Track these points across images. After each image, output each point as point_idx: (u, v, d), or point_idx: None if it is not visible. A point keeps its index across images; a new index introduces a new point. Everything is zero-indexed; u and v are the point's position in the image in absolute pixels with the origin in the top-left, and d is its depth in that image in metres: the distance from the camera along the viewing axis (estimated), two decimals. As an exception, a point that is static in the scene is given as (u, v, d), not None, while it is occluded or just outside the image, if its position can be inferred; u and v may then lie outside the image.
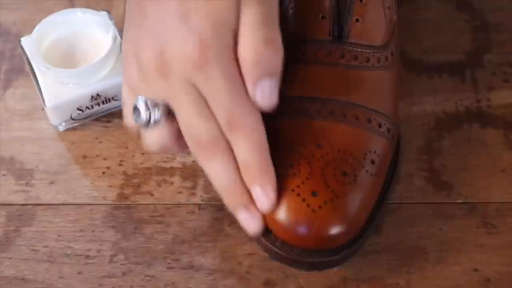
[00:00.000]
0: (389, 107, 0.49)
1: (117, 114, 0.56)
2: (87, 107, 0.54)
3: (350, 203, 0.45)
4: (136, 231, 0.51)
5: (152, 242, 0.50)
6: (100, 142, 0.55)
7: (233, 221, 0.51)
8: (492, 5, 0.61)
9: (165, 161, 0.54)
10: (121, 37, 0.55)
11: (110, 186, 0.53)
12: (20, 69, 0.58)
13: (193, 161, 0.54)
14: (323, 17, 0.49)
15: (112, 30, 0.54)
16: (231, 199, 0.45)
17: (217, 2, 0.42)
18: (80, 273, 0.49)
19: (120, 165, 0.54)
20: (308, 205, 0.44)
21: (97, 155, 0.54)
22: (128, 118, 0.47)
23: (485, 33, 0.60)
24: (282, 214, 0.44)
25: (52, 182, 0.53)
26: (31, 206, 0.52)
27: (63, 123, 0.55)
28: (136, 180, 0.53)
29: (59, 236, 0.51)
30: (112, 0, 0.61)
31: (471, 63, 0.58)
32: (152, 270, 0.49)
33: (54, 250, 0.50)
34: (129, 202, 0.52)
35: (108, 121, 0.56)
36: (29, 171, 0.54)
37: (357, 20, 0.48)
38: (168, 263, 0.50)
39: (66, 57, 0.55)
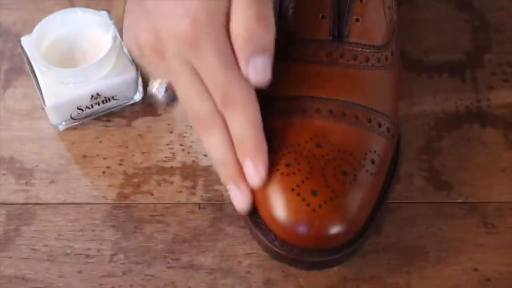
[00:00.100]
0: (389, 107, 0.49)
1: (117, 113, 0.56)
2: (87, 107, 0.54)
3: (350, 202, 0.45)
4: (136, 231, 0.51)
5: (152, 242, 0.50)
6: (100, 141, 0.55)
7: (233, 221, 0.51)
8: (492, 5, 0.61)
9: (165, 161, 0.54)
10: (121, 36, 0.55)
11: (110, 185, 0.53)
12: (20, 69, 0.58)
13: (193, 161, 0.54)
14: (323, 17, 0.49)
15: (112, 30, 0.54)
16: (224, 173, 0.47)
17: None
18: (80, 272, 0.49)
19: (120, 164, 0.54)
20: (308, 205, 0.44)
21: (97, 155, 0.54)
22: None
23: (485, 33, 0.60)
24: (282, 214, 0.44)
25: (52, 182, 0.53)
26: (31, 206, 0.52)
27: (63, 123, 0.55)
28: (136, 180, 0.53)
29: (59, 235, 0.51)
30: (112, 0, 0.61)
31: (471, 63, 0.58)
32: (152, 270, 0.49)
33: (54, 249, 0.50)
34: (129, 202, 0.52)
35: (108, 121, 0.56)
36: (29, 171, 0.54)
37: (357, 19, 0.49)
38: (168, 263, 0.50)
39: (66, 57, 0.55)
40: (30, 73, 0.54)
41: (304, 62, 0.49)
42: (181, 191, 0.52)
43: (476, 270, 0.49)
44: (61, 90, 0.53)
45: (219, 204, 0.52)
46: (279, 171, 0.45)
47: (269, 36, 0.44)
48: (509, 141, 0.54)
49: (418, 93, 0.57)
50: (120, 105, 0.56)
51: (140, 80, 0.55)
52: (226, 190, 0.51)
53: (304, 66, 0.48)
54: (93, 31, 0.56)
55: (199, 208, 0.52)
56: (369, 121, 0.47)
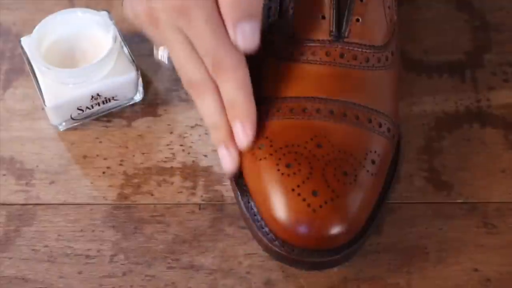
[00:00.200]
0: (389, 107, 0.49)
1: (117, 114, 0.56)
2: (87, 107, 0.54)
3: (350, 203, 0.45)
4: (136, 231, 0.51)
5: (152, 242, 0.50)
6: (100, 142, 0.55)
7: (234, 221, 0.51)
8: (492, 5, 0.61)
9: (165, 161, 0.54)
10: (121, 37, 0.55)
11: (110, 186, 0.53)
12: (20, 69, 0.58)
13: (193, 161, 0.54)
14: (323, 17, 0.49)
15: (112, 30, 0.54)
16: (215, 135, 0.48)
17: None
18: (80, 273, 0.49)
19: (120, 165, 0.54)
20: (308, 205, 0.44)
21: (97, 155, 0.54)
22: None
23: (485, 33, 0.60)
24: (282, 214, 0.44)
25: (52, 182, 0.53)
26: (31, 206, 0.52)
27: (63, 123, 0.55)
28: (136, 180, 0.53)
29: (59, 236, 0.51)
30: (112, 0, 0.61)
31: (471, 63, 0.58)
32: (152, 270, 0.49)
33: (54, 250, 0.50)
34: (129, 202, 0.52)
35: (108, 121, 0.56)
36: (29, 171, 0.54)
37: (358, 20, 0.48)
38: (168, 263, 0.50)
39: (66, 57, 0.55)
40: (30, 73, 0.54)
41: (304, 62, 0.49)
42: (181, 192, 0.52)
43: (476, 270, 0.49)
44: (61, 91, 0.53)
45: (220, 205, 0.52)
46: (279, 171, 0.45)
47: (256, 1, 0.46)
48: (509, 141, 0.54)
49: (418, 93, 0.57)
50: (120, 105, 0.56)
51: (140, 80, 0.55)
52: (227, 190, 0.52)
53: (304, 66, 0.48)
54: (93, 31, 0.56)
55: (199, 209, 0.52)
56: (370, 121, 0.47)
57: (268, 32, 0.50)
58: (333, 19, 0.48)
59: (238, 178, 0.48)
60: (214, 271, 0.49)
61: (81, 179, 0.53)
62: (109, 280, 0.49)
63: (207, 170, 0.53)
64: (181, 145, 0.54)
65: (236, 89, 0.46)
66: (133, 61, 0.55)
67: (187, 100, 0.56)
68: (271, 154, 0.46)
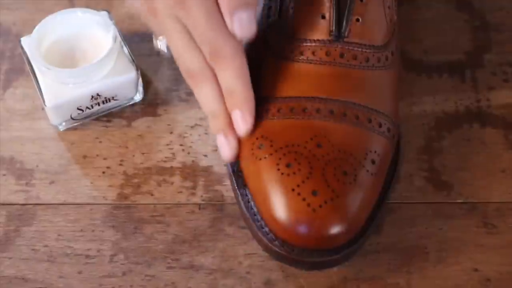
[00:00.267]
0: (389, 107, 0.49)
1: (117, 114, 0.56)
2: (87, 107, 0.54)
3: (350, 202, 0.45)
4: (136, 231, 0.51)
5: (152, 242, 0.50)
6: (100, 142, 0.55)
7: (233, 221, 0.51)
8: (492, 5, 0.61)
9: (165, 161, 0.54)
10: (121, 37, 0.55)
11: (110, 186, 0.53)
12: (20, 69, 0.58)
13: (193, 161, 0.54)
14: (323, 17, 0.49)
15: (112, 30, 0.54)
16: (214, 124, 0.48)
17: None
18: (80, 272, 0.49)
19: (120, 165, 0.54)
20: (308, 205, 0.44)
21: (97, 155, 0.54)
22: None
23: (485, 33, 0.60)
24: (282, 214, 0.44)
25: (52, 182, 0.53)
26: (31, 206, 0.52)
27: (63, 123, 0.55)
28: (136, 180, 0.53)
29: (59, 235, 0.51)
30: (112, 0, 0.61)
31: (471, 63, 0.58)
32: (152, 270, 0.49)
33: (54, 250, 0.50)
34: (129, 202, 0.52)
35: (108, 121, 0.56)
36: (29, 171, 0.54)
37: (358, 19, 0.48)
38: (168, 263, 0.50)
39: (66, 57, 0.55)
40: (30, 73, 0.54)
41: (304, 62, 0.49)
42: (181, 192, 0.52)
43: (476, 270, 0.49)
44: (61, 91, 0.53)
45: (219, 205, 0.52)
46: (279, 171, 0.45)
47: None
48: (509, 141, 0.54)
49: (418, 93, 0.57)
50: (120, 105, 0.56)
51: (140, 80, 0.55)
52: (227, 190, 0.52)
53: (305, 66, 0.48)
54: (93, 31, 0.56)
55: (199, 209, 0.52)
56: (370, 121, 0.47)
57: (268, 32, 0.50)
58: (333, 19, 0.48)
59: (238, 178, 0.48)
60: (214, 271, 0.49)
61: (81, 179, 0.53)
62: (109, 280, 0.49)
63: (207, 170, 0.53)
64: (181, 145, 0.54)
65: (234, 77, 0.47)
66: (133, 61, 0.55)
67: (187, 100, 0.56)
68: (271, 154, 0.46)
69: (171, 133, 0.55)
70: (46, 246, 0.50)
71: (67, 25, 0.56)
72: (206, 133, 0.55)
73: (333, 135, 0.46)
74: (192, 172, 0.53)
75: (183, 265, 0.49)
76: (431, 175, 0.53)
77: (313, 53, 0.48)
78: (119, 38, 0.54)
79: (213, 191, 0.52)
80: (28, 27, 0.57)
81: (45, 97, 0.53)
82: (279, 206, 0.44)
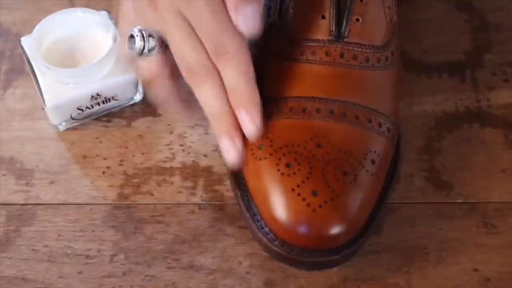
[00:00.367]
0: (389, 107, 0.49)
1: (117, 114, 0.56)
2: (87, 107, 0.54)
3: (350, 202, 0.45)
4: (136, 231, 0.51)
5: (152, 242, 0.50)
6: (100, 142, 0.55)
7: (233, 221, 0.51)
8: (492, 5, 0.61)
9: (164, 161, 0.54)
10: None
11: (110, 186, 0.53)
12: (20, 69, 0.58)
13: (193, 161, 0.54)
14: (323, 17, 0.49)
15: (112, 30, 0.54)
16: (218, 125, 0.46)
17: None
18: (80, 272, 0.49)
19: (120, 165, 0.54)
20: (308, 205, 0.44)
21: (97, 155, 0.54)
22: (123, 48, 0.48)
23: (485, 33, 0.60)
24: (282, 214, 0.44)
25: (52, 182, 0.53)
26: (31, 206, 0.52)
27: (63, 123, 0.55)
28: (136, 180, 0.53)
29: (59, 235, 0.51)
30: (112, 0, 0.61)
31: (471, 63, 0.58)
32: (152, 270, 0.49)
33: (54, 250, 0.50)
34: (129, 202, 0.52)
35: (108, 121, 0.56)
36: (29, 171, 0.54)
37: (357, 19, 0.48)
38: (168, 263, 0.50)
39: (66, 57, 0.55)
40: (30, 73, 0.54)
41: (304, 62, 0.49)
42: (181, 192, 0.52)
43: (476, 270, 0.49)
44: (61, 90, 0.53)
45: (219, 205, 0.52)
46: (279, 171, 0.45)
47: None
48: (509, 141, 0.54)
49: (418, 93, 0.57)
50: (120, 105, 0.56)
51: (140, 80, 0.55)
52: (227, 190, 0.52)
53: (304, 66, 0.48)
54: (93, 31, 0.56)
55: (199, 209, 0.52)
56: (370, 121, 0.47)
57: (268, 32, 0.50)
58: (333, 19, 0.48)
59: (238, 178, 0.48)
60: (214, 271, 0.49)
61: (81, 179, 0.53)
62: (109, 280, 0.49)
63: (207, 170, 0.53)
64: (181, 145, 0.54)
65: (239, 74, 0.45)
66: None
67: (187, 101, 0.56)
68: (271, 154, 0.46)
69: (171, 133, 0.55)
70: (46, 246, 0.50)
71: (67, 25, 0.56)
72: (206, 133, 0.55)
73: (333, 135, 0.46)
74: (192, 172, 0.53)
75: (183, 265, 0.49)
76: (431, 175, 0.53)
77: (313, 53, 0.48)
78: (119, 38, 0.54)
79: (213, 191, 0.52)
80: (28, 27, 0.57)
81: (45, 97, 0.53)
82: (279, 206, 0.44)
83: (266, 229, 0.46)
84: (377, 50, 0.49)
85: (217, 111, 0.46)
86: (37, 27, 0.55)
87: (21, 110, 0.56)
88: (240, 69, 0.45)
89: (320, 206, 0.44)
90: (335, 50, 0.48)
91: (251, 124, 0.45)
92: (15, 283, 0.49)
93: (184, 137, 0.55)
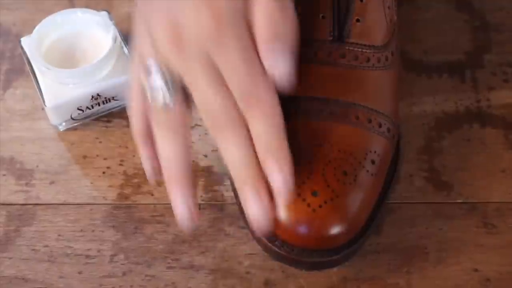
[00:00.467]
0: (389, 107, 0.49)
1: (118, 114, 0.56)
2: (87, 107, 0.54)
3: (350, 202, 0.45)
4: (136, 231, 0.51)
5: (152, 242, 0.50)
6: (100, 142, 0.55)
7: (233, 221, 0.51)
8: (492, 5, 0.61)
9: (165, 161, 0.54)
10: (121, 38, 0.55)
11: (110, 186, 0.53)
12: (20, 69, 0.58)
13: (193, 161, 0.54)
14: (323, 17, 0.49)
15: (112, 30, 0.54)
16: (240, 177, 0.43)
17: None
18: (80, 272, 0.49)
19: (120, 165, 0.54)
20: (308, 205, 0.44)
21: (97, 155, 0.54)
22: (134, 103, 0.45)
23: (485, 33, 0.60)
24: (282, 214, 0.44)
25: (52, 182, 0.53)
26: (31, 206, 0.52)
27: (63, 123, 0.55)
28: (136, 180, 0.53)
29: (59, 236, 0.51)
30: (112, 0, 0.61)
31: (471, 63, 0.58)
32: (152, 270, 0.49)
33: (54, 250, 0.50)
34: (129, 202, 0.52)
35: (108, 121, 0.56)
36: (29, 171, 0.54)
37: (358, 20, 0.48)
38: (168, 263, 0.50)
39: (66, 57, 0.55)
40: (30, 74, 0.54)
41: (305, 63, 0.48)
42: (181, 192, 0.52)
43: (476, 270, 0.49)
44: (61, 91, 0.53)
45: (220, 205, 0.52)
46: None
47: (290, 26, 0.43)
48: (509, 141, 0.54)
49: (418, 93, 0.57)
50: (120, 105, 0.56)
51: (140, 80, 0.55)
52: (227, 190, 0.52)
53: (305, 67, 0.48)
54: (93, 31, 0.56)
55: (199, 209, 0.51)
56: (370, 121, 0.47)
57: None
58: (333, 19, 0.48)
59: None
60: (214, 271, 0.49)
61: (81, 179, 0.53)
62: (109, 280, 0.49)
63: (207, 170, 0.53)
64: (181, 145, 0.54)
65: (268, 124, 0.42)
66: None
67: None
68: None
69: (171, 133, 0.55)
70: (46, 246, 0.50)
71: (67, 25, 0.56)
72: (206, 133, 0.55)
73: (333, 135, 0.46)
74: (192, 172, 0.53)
75: (183, 265, 0.49)
76: (431, 175, 0.53)
77: (313, 53, 0.48)
78: (119, 38, 0.54)
79: (213, 192, 0.52)
80: (28, 27, 0.57)
81: (45, 97, 0.53)
82: (279, 206, 0.44)
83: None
84: (377, 50, 0.49)
85: (242, 162, 0.43)
86: (37, 27, 0.55)
87: (21, 110, 0.56)
88: (269, 119, 0.42)
89: (320, 206, 0.44)
90: (336, 50, 0.48)
91: (280, 175, 0.42)
92: (15, 283, 0.49)
93: (184, 137, 0.55)
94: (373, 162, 0.47)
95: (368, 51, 0.49)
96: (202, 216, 0.51)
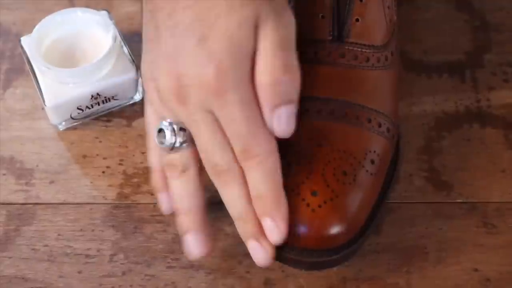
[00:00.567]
0: (389, 107, 0.49)
1: (117, 113, 0.56)
2: (87, 107, 0.54)
3: (350, 202, 0.45)
4: (136, 231, 0.51)
5: (152, 242, 0.50)
6: (100, 141, 0.55)
7: (233, 221, 0.51)
8: (492, 5, 0.61)
9: (165, 161, 0.54)
10: (121, 37, 0.55)
11: (110, 185, 0.53)
12: (20, 69, 0.58)
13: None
14: (323, 17, 0.49)
15: (112, 30, 0.54)
16: (242, 227, 0.45)
17: (233, 24, 0.41)
18: (80, 272, 0.49)
19: (120, 164, 0.54)
20: (308, 205, 0.44)
21: (97, 155, 0.54)
22: (152, 140, 0.47)
23: (485, 33, 0.60)
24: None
25: (52, 182, 0.53)
26: (31, 205, 0.52)
27: (63, 123, 0.55)
28: (136, 180, 0.53)
29: (59, 235, 0.51)
30: (112, 0, 0.61)
31: (471, 63, 0.58)
32: (152, 270, 0.49)
33: (54, 249, 0.50)
34: (129, 202, 0.52)
35: (108, 121, 0.56)
36: (29, 171, 0.54)
37: (357, 20, 0.48)
38: (168, 263, 0.50)
39: (66, 57, 0.55)
40: (30, 73, 0.54)
41: (304, 62, 0.48)
42: (181, 191, 0.52)
43: (476, 270, 0.49)
44: (61, 90, 0.53)
45: (219, 204, 0.52)
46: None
47: (295, 86, 0.44)
48: (509, 141, 0.54)
49: (418, 93, 0.57)
50: (120, 105, 0.56)
51: (140, 80, 0.55)
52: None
53: (304, 66, 0.48)
54: (93, 31, 0.56)
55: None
56: (369, 121, 0.47)
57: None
58: (333, 19, 0.48)
59: None
60: (214, 270, 0.49)
61: (81, 178, 0.53)
62: (109, 279, 0.49)
63: (207, 169, 0.53)
64: (181, 145, 0.54)
65: (266, 179, 0.43)
66: (133, 60, 0.55)
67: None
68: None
69: (171, 133, 0.55)
70: (46, 245, 0.50)
71: (67, 25, 0.56)
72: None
73: (333, 135, 0.46)
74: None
75: (183, 265, 0.49)
76: (431, 175, 0.53)
77: (313, 53, 0.48)
78: (119, 38, 0.54)
79: (213, 191, 0.52)
80: (28, 27, 0.57)
81: (45, 97, 0.53)
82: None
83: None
84: (377, 50, 0.49)
85: (241, 213, 0.45)
86: (37, 27, 0.55)
87: (21, 110, 0.56)
88: (267, 174, 0.43)
89: (320, 206, 0.44)
90: (335, 50, 0.48)
91: (276, 231, 0.44)
92: (15, 282, 0.49)
93: (184, 137, 0.55)
94: (372, 162, 0.47)
95: (367, 51, 0.49)
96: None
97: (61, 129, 0.55)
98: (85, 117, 0.55)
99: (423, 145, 0.54)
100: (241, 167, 0.44)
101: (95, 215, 0.52)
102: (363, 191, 0.46)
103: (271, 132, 0.43)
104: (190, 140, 0.45)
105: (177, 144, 0.45)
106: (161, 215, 0.51)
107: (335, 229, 0.44)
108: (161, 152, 0.46)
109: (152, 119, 0.47)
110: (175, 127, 0.44)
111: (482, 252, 0.50)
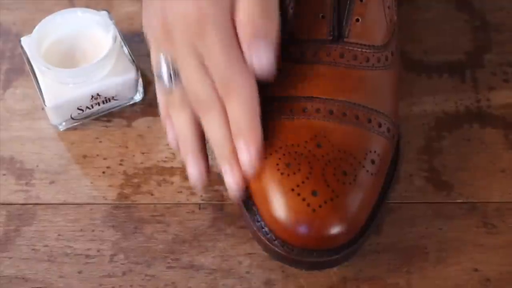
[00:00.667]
0: (389, 107, 0.49)
1: (117, 113, 0.56)
2: (87, 107, 0.54)
3: (350, 202, 0.45)
4: (136, 231, 0.51)
5: (152, 242, 0.50)
6: (100, 141, 0.55)
7: (234, 221, 0.51)
8: (492, 5, 0.61)
9: (165, 161, 0.54)
10: (121, 37, 0.55)
11: (110, 185, 0.53)
12: (20, 69, 0.58)
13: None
14: (323, 17, 0.49)
15: (112, 30, 0.54)
16: (219, 153, 0.47)
17: None
18: (80, 272, 0.49)
19: (120, 164, 0.54)
20: (308, 205, 0.44)
21: (97, 155, 0.54)
22: (159, 94, 0.50)
23: (485, 33, 0.60)
24: (282, 214, 0.44)
25: (52, 182, 0.53)
26: (31, 206, 0.52)
27: (63, 123, 0.55)
28: (136, 180, 0.53)
29: (59, 235, 0.51)
30: (112, 0, 0.61)
31: (471, 63, 0.58)
32: (152, 270, 0.49)
33: (54, 250, 0.50)
34: (129, 202, 0.52)
35: (108, 121, 0.56)
36: (29, 171, 0.54)
37: (357, 20, 0.49)
38: (168, 263, 0.50)
39: (66, 57, 0.55)
40: (30, 73, 0.54)
41: (304, 62, 0.49)
42: (181, 191, 0.52)
43: (476, 270, 0.49)
44: (61, 90, 0.53)
45: (220, 204, 0.52)
46: (279, 171, 0.45)
47: (271, 21, 0.46)
48: (509, 141, 0.54)
49: (418, 93, 0.57)
50: (120, 105, 0.56)
51: (140, 80, 0.55)
52: (227, 190, 0.52)
53: (304, 66, 0.48)
54: (93, 31, 0.56)
55: (199, 208, 0.52)
56: (369, 121, 0.47)
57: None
58: (333, 19, 0.48)
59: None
60: (214, 270, 0.49)
61: (81, 179, 0.53)
62: (109, 279, 0.49)
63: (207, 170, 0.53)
64: (181, 145, 0.54)
65: (243, 110, 0.45)
66: (133, 61, 0.55)
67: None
68: (270, 154, 0.46)
69: (171, 133, 0.55)
70: (46, 246, 0.50)
71: (67, 25, 0.56)
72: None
73: (333, 135, 0.46)
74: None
75: (183, 265, 0.49)
76: (431, 175, 0.53)
77: (313, 53, 0.48)
78: (119, 38, 0.54)
79: (213, 191, 0.52)
80: (28, 27, 0.57)
81: (45, 97, 0.53)
82: (279, 206, 0.44)
83: (266, 229, 0.46)
84: (377, 50, 0.49)
85: (219, 141, 0.47)
86: (37, 27, 0.55)
87: (21, 110, 0.56)
88: (244, 105, 0.45)
89: (320, 206, 0.44)
90: (335, 50, 0.48)
91: (247, 155, 0.46)
92: (15, 282, 0.49)
93: (184, 137, 0.55)
94: (373, 162, 0.47)
95: (367, 51, 0.49)
96: (202, 216, 0.51)
97: (61, 129, 0.55)
98: (85, 118, 0.55)
99: (423, 145, 0.54)
100: (221, 99, 0.46)
101: (95, 215, 0.52)
102: (364, 191, 0.46)
103: (250, 70, 0.45)
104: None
105: (172, 77, 0.47)
106: (161, 215, 0.51)
107: (335, 229, 0.44)
108: (160, 87, 0.49)
109: (153, 55, 0.49)
110: (169, 62, 0.47)
111: (482, 252, 0.50)
